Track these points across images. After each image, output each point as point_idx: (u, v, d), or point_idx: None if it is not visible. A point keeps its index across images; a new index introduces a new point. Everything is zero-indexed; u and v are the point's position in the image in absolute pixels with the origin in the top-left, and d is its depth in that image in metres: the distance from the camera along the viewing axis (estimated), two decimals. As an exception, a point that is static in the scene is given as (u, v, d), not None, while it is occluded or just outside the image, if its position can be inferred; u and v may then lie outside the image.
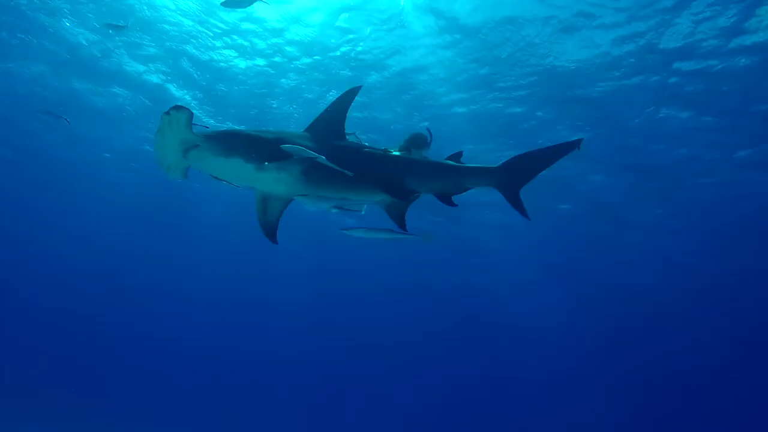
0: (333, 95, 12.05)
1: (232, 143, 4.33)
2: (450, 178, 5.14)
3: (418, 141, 5.51)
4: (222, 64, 12.52)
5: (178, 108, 3.99)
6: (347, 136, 5.01)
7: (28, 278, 37.06)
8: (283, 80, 12.66)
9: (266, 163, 4.35)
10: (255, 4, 8.65)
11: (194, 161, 4.31)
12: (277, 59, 11.92)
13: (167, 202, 21.61)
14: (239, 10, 10.31)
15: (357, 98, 5.02)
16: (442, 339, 40.77)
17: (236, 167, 4.37)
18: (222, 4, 8.58)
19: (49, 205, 23.91)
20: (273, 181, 4.53)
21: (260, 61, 12.14)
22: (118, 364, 43.47)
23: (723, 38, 9.50)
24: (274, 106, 13.64)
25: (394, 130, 13.23)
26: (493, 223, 18.78)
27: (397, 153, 5.08)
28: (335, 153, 4.59)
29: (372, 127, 13.32)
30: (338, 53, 11.37)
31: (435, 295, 30.75)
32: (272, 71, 12.41)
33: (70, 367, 40.91)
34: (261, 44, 11.56)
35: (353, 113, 5.15)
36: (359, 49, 11.15)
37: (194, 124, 4.09)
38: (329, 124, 4.90)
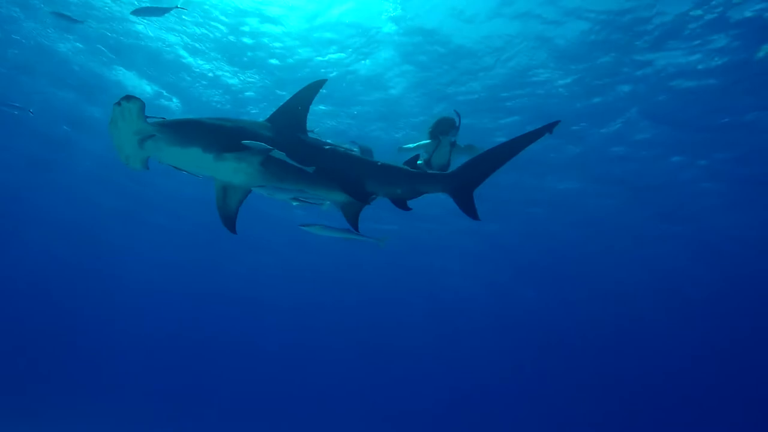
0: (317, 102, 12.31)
1: (188, 132, 4.26)
2: (405, 183, 5.27)
3: (445, 125, 5.72)
4: (216, 73, 12.85)
5: (129, 98, 3.90)
6: (308, 133, 4.99)
7: (26, 278, 37.24)
8: (275, 89, 12.95)
9: (225, 153, 4.29)
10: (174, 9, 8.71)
11: (151, 151, 4.23)
12: (266, 67, 12.21)
13: (166, 203, 21.93)
14: (155, 18, 10.42)
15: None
16: (426, 338, 40.86)
17: (195, 157, 4.29)
18: (132, 12, 8.51)
19: (49, 206, 24.29)
20: (232, 171, 4.48)
21: (252, 70, 12.43)
22: (118, 363, 43.64)
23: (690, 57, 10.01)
24: (265, 113, 13.93)
25: (374, 137, 13.57)
26: (469, 228, 19.09)
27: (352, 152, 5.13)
28: (296, 146, 4.62)
29: (353, 135, 13.64)
30: (319, 61, 11.63)
31: (417, 297, 31.25)
32: (267, 81, 12.71)
33: (70, 366, 41.19)
34: (251, 52, 11.81)
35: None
36: (338, 56, 11.42)
37: (148, 116, 4.04)
38: (291, 116, 4.87)
